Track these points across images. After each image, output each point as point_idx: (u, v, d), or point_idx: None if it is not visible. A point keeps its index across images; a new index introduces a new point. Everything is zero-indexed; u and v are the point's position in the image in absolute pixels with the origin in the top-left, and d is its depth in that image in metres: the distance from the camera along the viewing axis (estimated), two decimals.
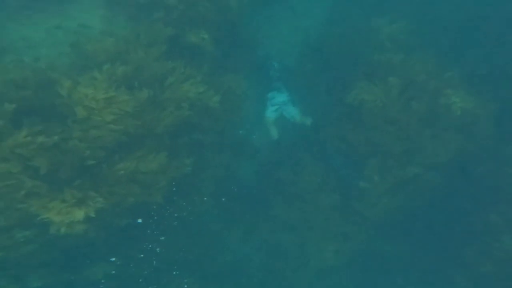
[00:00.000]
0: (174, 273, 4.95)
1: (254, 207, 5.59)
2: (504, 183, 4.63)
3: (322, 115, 5.42)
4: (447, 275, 5.12)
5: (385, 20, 5.46)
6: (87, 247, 4.10)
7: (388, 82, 4.42)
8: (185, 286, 5.03)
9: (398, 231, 5.40)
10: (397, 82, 4.43)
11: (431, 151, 4.54)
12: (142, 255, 4.54)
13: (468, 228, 4.87)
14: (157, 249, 4.67)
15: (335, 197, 5.27)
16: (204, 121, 4.62)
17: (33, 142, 3.44)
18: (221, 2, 4.72)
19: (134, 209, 4.24)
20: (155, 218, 4.60)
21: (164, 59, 4.19)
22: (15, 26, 4.72)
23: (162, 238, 4.77)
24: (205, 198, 5.21)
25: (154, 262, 4.62)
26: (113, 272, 4.30)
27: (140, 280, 4.59)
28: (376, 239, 5.50)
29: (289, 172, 5.46)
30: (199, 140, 4.80)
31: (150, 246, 4.65)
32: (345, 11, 6.51)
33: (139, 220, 4.47)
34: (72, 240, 3.82)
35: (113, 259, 4.33)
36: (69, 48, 4.24)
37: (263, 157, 5.83)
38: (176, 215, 4.83)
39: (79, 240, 3.89)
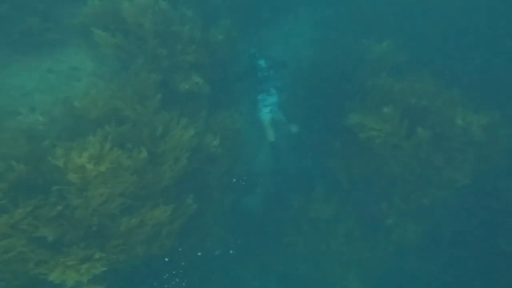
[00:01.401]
0: None
1: (266, 238, 5.49)
2: None
3: (324, 145, 5.29)
4: None
5: (373, 39, 5.33)
6: None
7: (387, 110, 4.30)
8: None
9: (425, 252, 5.31)
10: (396, 109, 4.30)
11: (447, 175, 4.40)
12: None
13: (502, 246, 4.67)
14: None
15: (353, 223, 5.18)
16: (206, 165, 4.54)
17: (35, 214, 3.40)
18: (210, 41, 4.57)
19: (145, 258, 4.23)
20: (169, 262, 4.59)
21: (159, 110, 4.08)
22: (9, 73, 4.64)
23: (177, 280, 4.76)
24: (215, 230, 5.17)
25: None
26: None
27: None
28: (402, 260, 5.40)
29: (300, 200, 5.34)
30: (203, 181, 4.74)
31: None
32: (329, 30, 6.37)
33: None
34: None
35: None
36: (61, 95, 4.19)
37: (270, 185, 5.75)
38: (188, 256, 4.81)
39: None
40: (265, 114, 5.62)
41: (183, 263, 4.83)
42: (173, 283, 4.76)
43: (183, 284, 4.79)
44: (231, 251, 5.33)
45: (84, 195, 3.58)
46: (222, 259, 5.32)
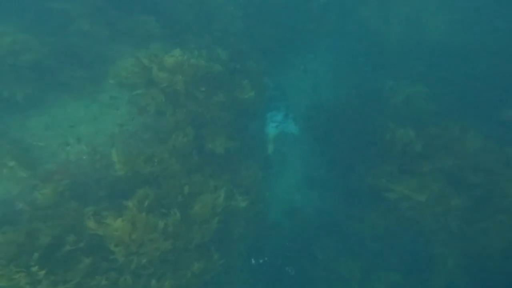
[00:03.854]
0: None
1: None
2: None
3: (344, 200, 5.19)
4: None
5: (399, 82, 5.12)
6: None
7: (421, 175, 4.17)
8: None
9: None
10: (425, 173, 4.18)
11: (485, 240, 4.23)
12: None
13: None
14: None
15: (394, 274, 4.88)
16: (232, 220, 4.66)
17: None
18: (240, 98, 4.63)
19: None
20: None
21: (194, 172, 4.22)
22: (60, 104, 4.91)
23: None
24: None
25: None
26: None
27: None
28: None
29: (324, 254, 5.22)
30: (227, 234, 4.87)
31: None
32: (350, 71, 6.21)
33: None
34: None
35: None
36: (102, 125, 4.48)
37: (291, 232, 5.74)
38: None
39: None
40: (271, 128, 5.96)
41: None
42: None
43: None
44: None
45: (121, 261, 3.79)
46: None
